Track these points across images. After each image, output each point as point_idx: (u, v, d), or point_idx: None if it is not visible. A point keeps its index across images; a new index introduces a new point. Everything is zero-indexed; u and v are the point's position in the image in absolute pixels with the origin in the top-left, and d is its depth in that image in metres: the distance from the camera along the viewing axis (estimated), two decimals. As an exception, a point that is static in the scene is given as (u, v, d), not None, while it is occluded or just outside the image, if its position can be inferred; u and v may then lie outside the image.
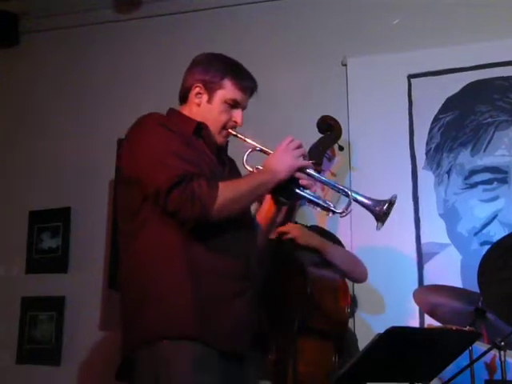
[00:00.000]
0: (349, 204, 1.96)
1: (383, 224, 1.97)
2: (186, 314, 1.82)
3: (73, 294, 3.68)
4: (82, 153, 3.88)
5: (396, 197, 1.97)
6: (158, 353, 1.80)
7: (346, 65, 3.52)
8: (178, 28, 3.92)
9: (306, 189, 1.98)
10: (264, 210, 2.14)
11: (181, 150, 1.89)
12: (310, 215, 3.28)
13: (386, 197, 1.96)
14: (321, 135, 3.08)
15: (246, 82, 2.07)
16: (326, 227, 3.20)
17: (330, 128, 3.12)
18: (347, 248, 3.07)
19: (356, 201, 1.97)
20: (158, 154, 1.87)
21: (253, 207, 2.21)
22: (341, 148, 3.18)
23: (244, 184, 1.93)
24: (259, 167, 2.02)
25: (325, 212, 2.05)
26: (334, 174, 3.33)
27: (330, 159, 3.20)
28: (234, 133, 2.06)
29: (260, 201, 2.17)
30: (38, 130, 4.06)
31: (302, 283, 2.52)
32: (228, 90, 2.04)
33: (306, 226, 2.87)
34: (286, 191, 1.99)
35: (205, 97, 2.05)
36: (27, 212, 3.92)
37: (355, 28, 3.57)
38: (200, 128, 2.03)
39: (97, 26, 4.07)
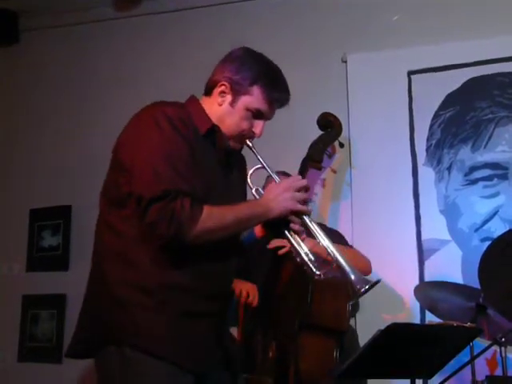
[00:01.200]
0: (328, 271, 1.82)
1: (355, 300, 1.90)
2: (156, 333, 1.76)
3: (73, 291, 3.66)
4: (82, 151, 3.88)
5: (380, 281, 1.83)
6: (125, 355, 1.74)
7: (346, 61, 3.52)
8: (178, 26, 3.92)
9: (296, 234, 1.85)
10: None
11: (178, 159, 1.76)
12: (313, 212, 3.28)
13: (372, 279, 1.82)
14: (321, 132, 3.08)
15: (278, 95, 1.89)
16: (327, 222, 3.21)
17: (330, 125, 3.11)
18: (351, 245, 3.07)
19: (338, 268, 1.80)
20: (155, 156, 1.75)
21: None
22: (341, 145, 3.18)
23: (232, 214, 1.79)
24: (260, 190, 1.94)
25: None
26: (334, 171, 3.35)
27: (331, 156, 3.20)
28: (250, 145, 1.92)
29: None
30: (38, 128, 4.06)
31: (303, 280, 2.52)
32: (255, 98, 1.87)
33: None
34: (275, 228, 1.90)
35: (228, 98, 1.89)
36: (28, 210, 3.93)
37: (355, 25, 3.57)
38: (213, 130, 1.89)
39: (97, 24, 4.07)
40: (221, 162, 1.92)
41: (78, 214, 3.81)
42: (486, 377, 2.39)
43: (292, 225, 1.86)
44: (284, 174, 2.51)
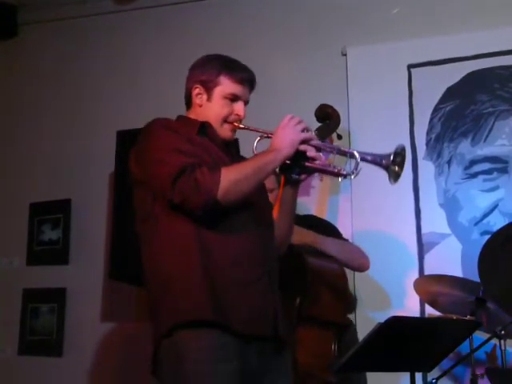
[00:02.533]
0: (356, 164, 1.95)
1: (396, 179, 1.97)
2: (200, 301, 1.85)
3: (74, 285, 3.69)
4: (81, 145, 3.88)
5: (403, 147, 1.99)
6: (175, 343, 1.83)
7: (345, 54, 3.51)
8: (176, 19, 3.90)
9: (315, 160, 1.99)
10: (278, 197, 2.15)
11: (180, 145, 1.92)
12: (305, 205, 3.28)
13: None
14: (319, 124, 3.07)
15: (242, 74, 2.08)
16: (326, 216, 3.20)
17: (328, 117, 3.10)
18: (348, 238, 3.07)
19: (363, 159, 1.97)
20: (159, 153, 1.91)
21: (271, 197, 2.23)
22: (339, 137, 3.16)
23: (247, 165, 1.94)
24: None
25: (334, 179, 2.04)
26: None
27: (329, 148, 3.18)
28: (242, 126, 2.07)
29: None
30: (37, 122, 4.06)
31: (301, 273, 2.52)
32: (225, 85, 2.06)
33: (300, 216, 2.86)
34: (295, 167, 2.01)
35: (205, 96, 2.08)
36: (28, 204, 3.92)
37: (355, 18, 3.56)
38: (204, 127, 2.05)
39: (96, 17, 4.06)
40: (222, 153, 2.05)
41: (78, 208, 3.82)
42: (486, 369, 2.40)
43: (308, 153, 1.97)
44: None
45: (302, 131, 1.97)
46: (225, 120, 2.06)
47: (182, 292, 1.87)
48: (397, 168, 1.95)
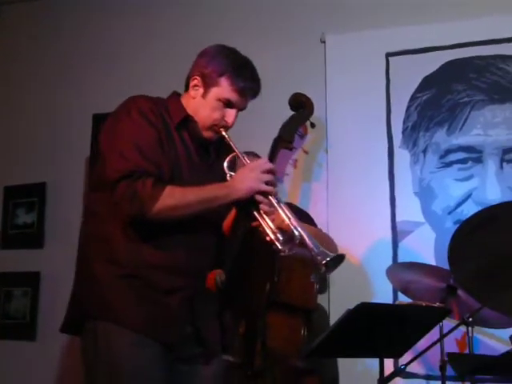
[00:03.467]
0: (293, 246, 1.86)
1: (316, 275, 1.94)
2: (120, 303, 1.87)
3: (48, 269, 3.66)
4: (57, 128, 3.85)
5: (343, 258, 1.84)
6: (97, 327, 1.87)
7: (324, 42, 3.50)
8: (157, 3, 3.86)
9: (265, 214, 1.91)
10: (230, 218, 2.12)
11: (144, 144, 1.89)
12: (284, 192, 3.30)
13: (335, 253, 1.82)
14: (292, 112, 3.08)
15: (244, 84, 1.99)
16: (298, 203, 3.22)
17: (301, 105, 3.12)
18: (323, 225, 3.08)
19: (302, 243, 1.85)
20: (123, 142, 1.89)
21: None
22: (312, 125, 3.18)
23: (194, 193, 1.89)
24: (233, 175, 1.98)
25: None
26: (306, 152, 3.35)
27: (302, 136, 3.21)
28: (224, 134, 2.02)
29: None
30: (13, 105, 4.01)
31: (270, 259, 2.53)
32: (223, 89, 1.99)
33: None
34: (245, 210, 1.96)
35: (200, 90, 2.02)
36: (2, 187, 3.89)
37: (334, 4, 3.54)
38: (187, 121, 2.02)
39: (75, -1, 4.01)
40: (198, 149, 2.03)
41: (53, 191, 3.79)
42: (447, 353, 2.43)
43: (261, 205, 1.92)
44: (254, 156, 2.52)
45: (267, 183, 1.91)
46: (213, 125, 2.01)
47: (104, 289, 1.88)
48: (323, 269, 1.80)
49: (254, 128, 3.38)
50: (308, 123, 3.18)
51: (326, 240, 2.79)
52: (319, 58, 3.50)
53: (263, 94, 3.44)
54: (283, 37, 3.60)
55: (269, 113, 3.38)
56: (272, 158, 3.03)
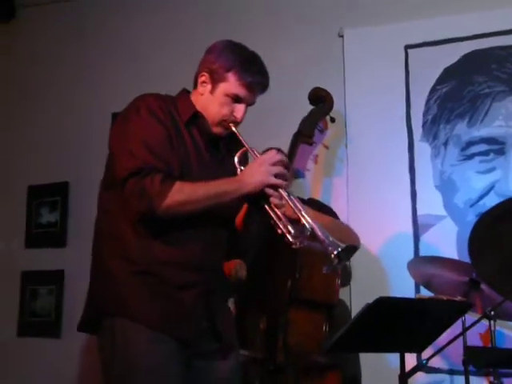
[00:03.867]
0: (304, 239, 1.84)
1: (329, 269, 1.85)
2: (134, 300, 1.89)
3: (71, 267, 3.70)
4: (78, 127, 3.89)
5: (355, 248, 1.83)
6: (115, 324, 1.89)
7: (342, 36, 3.48)
8: (177, 1, 3.88)
9: (275, 207, 1.90)
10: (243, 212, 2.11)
11: (153, 141, 1.89)
12: (306, 188, 3.29)
13: (355, 243, 1.80)
14: (312, 107, 3.07)
15: (252, 79, 1.98)
16: (320, 198, 3.21)
17: (321, 100, 3.11)
18: (344, 220, 3.07)
19: (313, 235, 1.82)
20: (132, 141, 1.89)
21: None
22: (332, 119, 3.17)
23: (203, 189, 1.88)
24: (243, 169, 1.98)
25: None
26: (326, 147, 3.34)
27: (322, 131, 3.20)
28: (234, 129, 2.01)
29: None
30: (35, 104, 4.05)
31: (291, 255, 2.53)
32: (231, 84, 1.98)
33: (303, 200, 2.87)
34: (256, 204, 1.95)
35: (208, 87, 2.01)
36: (26, 187, 3.94)
37: (352, -1, 3.53)
38: (196, 117, 2.01)
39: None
40: (208, 146, 2.03)
41: (75, 191, 3.83)
42: (466, 347, 2.41)
43: (271, 199, 1.90)
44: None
45: (276, 176, 1.90)
46: (222, 120, 2.01)
47: (119, 286, 1.90)
48: (336, 260, 1.77)
49: (274, 124, 3.39)
50: (328, 118, 3.17)
51: (344, 231, 2.77)
52: (337, 53, 3.48)
53: (282, 90, 3.47)
54: (301, 33, 3.59)
55: (288, 108, 3.38)
56: (292, 153, 3.03)
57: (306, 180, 3.31)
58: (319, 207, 2.94)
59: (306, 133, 3.04)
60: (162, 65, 3.73)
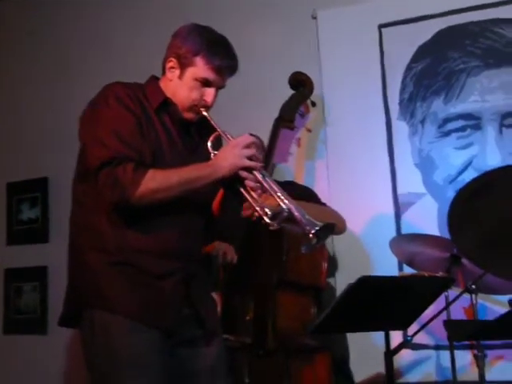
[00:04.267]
0: (281, 220, 1.82)
1: (307, 249, 1.82)
2: (113, 291, 1.88)
3: (55, 263, 3.67)
4: (57, 122, 3.84)
5: (333, 228, 1.81)
6: (94, 316, 1.89)
7: (316, 18, 3.46)
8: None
9: (251, 190, 1.89)
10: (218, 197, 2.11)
11: (123, 130, 1.88)
12: (289, 172, 3.29)
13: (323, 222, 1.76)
14: (293, 92, 3.06)
15: (221, 62, 1.95)
16: (303, 181, 3.21)
17: (301, 84, 3.11)
18: (325, 202, 3.07)
19: (291, 216, 1.80)
20: (102, 130, 1.88)
21: None
22: (313, 104, 3.18)
23: (176, 175, 1.87)
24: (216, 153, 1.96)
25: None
26: (309, 130, 3.34)
27: (304, 115, 3.20)
28: (205, 113, 1.99)
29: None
30: (13, 101, 4.01)
31: (278, 238, 2.53)
32: (199, 68, 1.95)
33: (281, 182, 2.87)
34: (231, 188, 1.94)
35: (177, 72, 1.99)
36: (5, 184, 3.90)
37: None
38: (166, 104, 2.00)
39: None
40: (180, 132, 2.02)
41: (55, 186, 3.80)
42: (444, 321, 2.43)
43: (247, 181, 1.90)
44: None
45: (250, 158, 1.89)
46: (193, 105, 1.99)
47: (97, 277, 1.89)
48: (314, 239, 1.75)
49: (254, 109, 3.37)
50: (309, 102, 3.17)
51: (332, 216, 2.76)
52: (311, 35, 3.46)
53: (259, 75, 3.44)
54: (274, 16, 3.57)
55: (266, 93, 3.37)
56: (273, 138, 3.03)
57: (290, 164, 3.31)
58: (300, 190, 2.95)
59: (287, 117, 3.05)
60: (139, 54, 3.68)
